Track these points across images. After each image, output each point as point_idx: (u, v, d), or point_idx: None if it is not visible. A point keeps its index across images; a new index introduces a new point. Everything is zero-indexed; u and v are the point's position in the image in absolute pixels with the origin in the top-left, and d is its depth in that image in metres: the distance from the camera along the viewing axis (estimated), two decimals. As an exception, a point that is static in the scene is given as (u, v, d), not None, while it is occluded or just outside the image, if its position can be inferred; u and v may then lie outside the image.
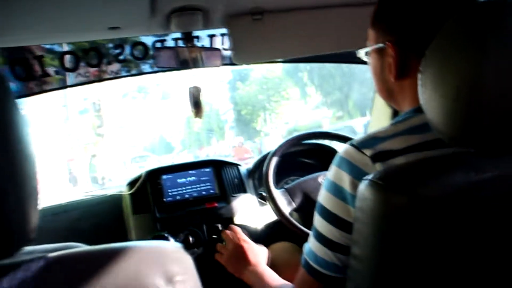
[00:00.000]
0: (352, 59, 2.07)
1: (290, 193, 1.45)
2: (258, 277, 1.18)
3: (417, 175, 0.63)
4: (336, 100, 23.30)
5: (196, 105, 1.49)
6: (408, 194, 0.60)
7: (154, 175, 1.68)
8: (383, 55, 0.86)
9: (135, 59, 1.58)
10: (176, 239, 1.51)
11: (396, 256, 0.63)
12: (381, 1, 0.88)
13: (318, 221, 0.84)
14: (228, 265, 1.31)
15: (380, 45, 0.86)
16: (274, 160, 1.46)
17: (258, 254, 1.29)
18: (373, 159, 0.74)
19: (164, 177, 1.67)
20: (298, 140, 1.56)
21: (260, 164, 1.76)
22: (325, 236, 0.81)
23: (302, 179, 1.50)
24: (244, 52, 1.63)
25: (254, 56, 1.70)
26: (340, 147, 2.01)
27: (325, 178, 0.85)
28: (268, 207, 1.52)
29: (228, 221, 1.58)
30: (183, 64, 1.56)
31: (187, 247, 1.50)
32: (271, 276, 1.16)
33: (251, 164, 1.81)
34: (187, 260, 0.54)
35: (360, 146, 0.77)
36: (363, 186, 0.67)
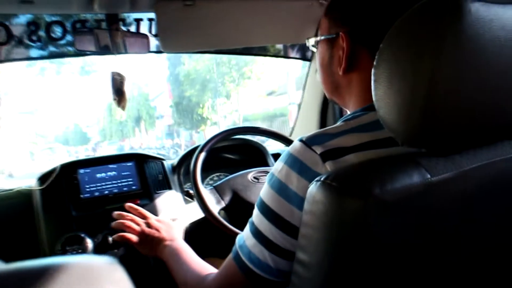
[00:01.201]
0: (285, 54, 2.08)
1: (219, 191, 1.38)
2: (175, 253, 1.10)
3: (372, 176, 0.59)
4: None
5: (119, 93, 1.37)
6: (364, 196, 0.56)
7: (69, 169, 1.53)
8: (333, 46, 0.83)
9: (51, 40, 1.42)
10: (94, 239, 1.39)
11: (349, 263, 0.59)
12: None
13: (257, 217, 0.78)
14: (140, 246, 1.21)
15: (332, 35, 0.83)
16: (202, 156, 1.39)
17: (172, 228, 1.22)
18: (323, 157, 0.69)
19: (81, 171, 1.53)
20: (228, 135, 1.49)
21: (185, 159, 1.67)
22: (263, 235, 0.76)
23: (231, 176, 1.44)
24: (173, 39, 1.53)
25: (183, 45, 1.61)
26: (271, 144, 2.02)
27: (269, 173, 0.79)
28: (194, 204, 1.44)
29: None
30: (105, 48, 1.44)
31: (106, 248, 1.38)
32: (189, 254, 1.08)
33: (176, 159, 1.71)
34: (124, 279, 0.44)
35: (309, 142, 0.72)
36: (314, 188, 0.62)
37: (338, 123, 0.77)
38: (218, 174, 1.78)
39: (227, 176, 1.77)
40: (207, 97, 21.15)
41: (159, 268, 1.49)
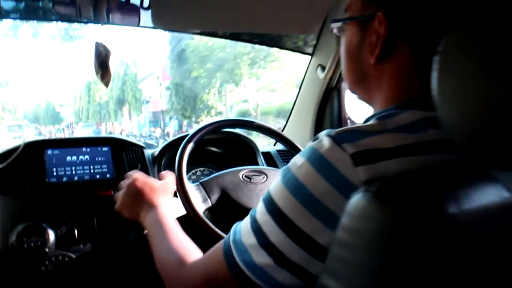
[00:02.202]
0: (294, 45, 1.93)
1: (206, 189, 1.22)
2: (157, 224, 0.98)
3: (445, 192, 0.46)
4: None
5: (103, 66, 1.20)
6: (439, 217, 0.43)
7: (35, 148, 1.34)
8: (365, 30, 0.69)
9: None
10: (57, 231, 1.21)
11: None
12: None
13: (263, 216, 0.63)
14: (122, 208, 1.11)
15: (365, 16, 0.69)
16: (190, 147, 1.23)
17: (156, 191, 1.09)
18: (354, 159, 0.56)
19: (49, 152, 1.34)
20: (220, 127, 1.33)
21: (168, 148, 1.51)
22: (267, 238, 0.62)
23: (220, 173, 1.28)
24: (167, 14, 1.37)
25: (178, 22, 1.45)
26: (262, 143, 1.87)
27: (284, 168, 0.64)
28: (175, 201, 1.28)
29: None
30: (87, 15, 1.26)
31: (71, 243, 1.21)
32: (172, 227, 0.96)
33: (157, 148, 1.55)
34: None
35: (339, 139, 0.58)
36: (362, 201, 0.48)
37: (371, 121, 0.64)
38: (202, 169, 1.62)
39: (211, 171, 1.62)
40: (217, 81, 17.43)
41: (129, 266, 1.33)
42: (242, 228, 0.67)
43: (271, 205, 0.62)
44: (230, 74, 17.05)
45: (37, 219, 1.22)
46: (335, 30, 0.77)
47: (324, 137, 0.60)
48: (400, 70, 0.66)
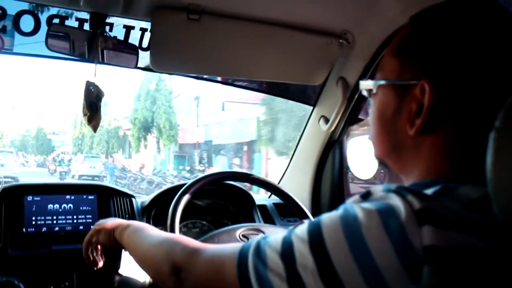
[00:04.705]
0: (299, 96, 1.85)
1: None
2: (139, 229, 0.89)
3: None
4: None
5: (92, 108, 1.11)
6: None
7: (13, 194, 1.23)
8: (404, 96, 0.61)
9: (20, 33, 1.15)
10: (29, 290, 1.09)
11: None
12: (420, 20, 0.63)
13: (302, 247, 0.53)
14: (94, 233, 0.99)
15: (404, 81, 0.61)
16: (185, 200, 1.13)
17: (108, 220, 1.00)
18: (419, 217, 0.47)
19: (29, 198, 1.23)
20: (218, 180, 1.25)
21: (159, 199, 1.41)
22: (298, 275, 0.52)
23: (215, 232, 1.18)
24: (167, 57, 1.30)
25: (178, 65, 1.37)
26: (258, 197, 1.77)
27: (344, 206, 0.54)
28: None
29: (110, 270, 1.20)
30: (82, 54, 1.19)
31: None
32: (157, 229, 0.88)
33: (148, 198, 1.44)
34: None
35: (400, 190, 0.50)
36: None
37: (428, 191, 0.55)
38: (193, 221, 1.51)
39: (203, 225, 1.52)
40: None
41: None
42: (272, 244, 0.57)
43: (316, 244, 0.52)
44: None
45: (10, 274, 1.09)
46: (364, 92, 0.69)
47: (385, 189, 0.52)
48: (442, 145, 0.59)
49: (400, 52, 0.63)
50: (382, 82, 0.65)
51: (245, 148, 18.15)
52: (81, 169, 19.84)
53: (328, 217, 0.53)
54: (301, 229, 0.55)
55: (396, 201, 0.49)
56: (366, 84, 0.68)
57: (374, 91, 0.66)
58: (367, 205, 0.51)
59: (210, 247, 0.70)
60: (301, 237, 0.54)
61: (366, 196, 0.54)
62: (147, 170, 19.52)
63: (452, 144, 0.58)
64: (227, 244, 0.68)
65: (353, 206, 0.52)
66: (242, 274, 0.58)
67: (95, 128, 1.20)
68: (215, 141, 19.33)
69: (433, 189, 0.54)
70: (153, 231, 0.86)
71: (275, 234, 0.60)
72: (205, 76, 1.64)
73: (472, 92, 0.56)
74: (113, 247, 0.95)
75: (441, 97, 0.57)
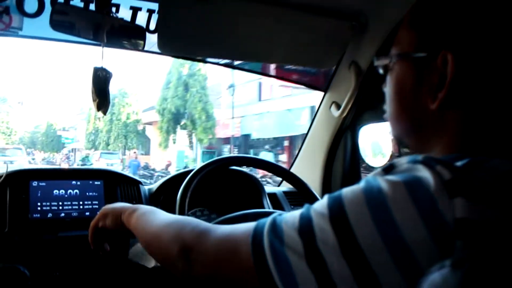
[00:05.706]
0: (308, 81, 1.82)
1: None
2: (148, 212, 0.83)
3: None
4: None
5: (101, 94, 1.08)
6: None
7: (19, 179, 1.20)
8: (423, 69, 0.57)
9: (22, 14, 1.12)
10: (35, 277, 1.07)
11: None
12: None
13: (322, 221, 0.49)
14: (100, 217, 0.92)
15: (422, 54, 0.57)
16: (193, 185, 1.10)
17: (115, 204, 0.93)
18: (449, 188, 0.44)
19: (34, 183, 1.21)
20: (227, 164, 1.21)
21: (167, 185, 1.38)
22: (319, 253, 0.48)
23: (223, 218, 1.15)
24: (174, 39, 1.26)
25: (185, 48, 1.34)
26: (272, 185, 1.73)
27: (367, 177, 0.50)
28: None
29: (117, 257, 1.17)
30: (87, 34, 1.16)
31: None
32: (164, 212, 0.82)
33: (155, 184, 1.41)
34: None
35: (428, 161, 0.47)
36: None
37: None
38: (201, 209, 1.48)
39: (212, 213, 1.48)
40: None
41: None
42: (289, 221, 0.53)
43: (337, 215, 0.48)
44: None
45: (14, 261, 1.07)
46: (379, 69, 0.65)
47: (412, 160, 0.49)
48: (467, 119, 0.55)
49: (417, 23, 0.59)
50: (399, 56, 0.61)
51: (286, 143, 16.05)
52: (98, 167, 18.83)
53: (349, 191, 0.50)
54: (321, 204, 0.51)
55: (424, 173, 0.45)
56: (381, 61, 0.64)
57: (391, 67, 0.63)
58: (392, 177, 0.47)
59: (222, 227, 0.66)
60: (321, 212, 0.50)
61: (389, 168, 0.50)
62: (172, 168, 17.62)
63: (478, 117, 0.54)
64: (240, 224, 0.63)
65: (376, 178, 0.48)
66: (256, 252, 0.54)
67: (104, 113, 1.17)
68: (254, 135, 17.31)
69: (461, 162, 0.51)
70: (162, 214, 0.81)
71: (290, 212, 0.56)
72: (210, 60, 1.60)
73: (497, 61, 0.52)
74: (120, 231, 0.92)
75: (464, 67, 0.53)
